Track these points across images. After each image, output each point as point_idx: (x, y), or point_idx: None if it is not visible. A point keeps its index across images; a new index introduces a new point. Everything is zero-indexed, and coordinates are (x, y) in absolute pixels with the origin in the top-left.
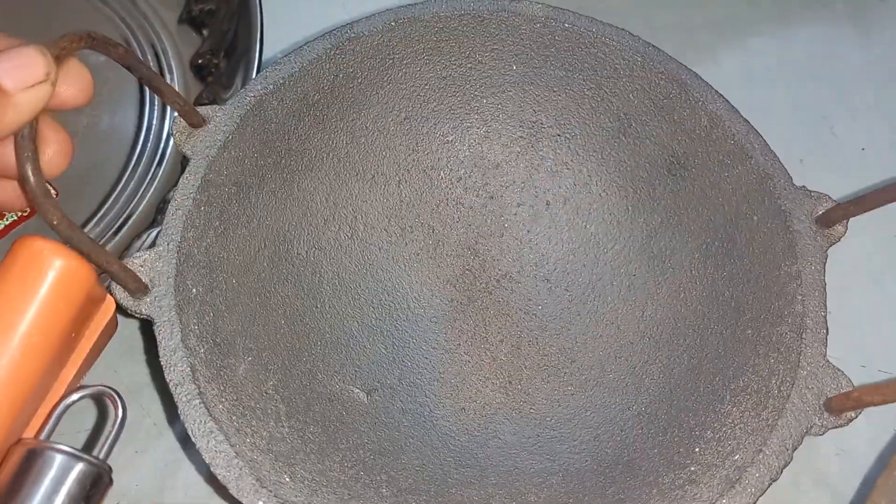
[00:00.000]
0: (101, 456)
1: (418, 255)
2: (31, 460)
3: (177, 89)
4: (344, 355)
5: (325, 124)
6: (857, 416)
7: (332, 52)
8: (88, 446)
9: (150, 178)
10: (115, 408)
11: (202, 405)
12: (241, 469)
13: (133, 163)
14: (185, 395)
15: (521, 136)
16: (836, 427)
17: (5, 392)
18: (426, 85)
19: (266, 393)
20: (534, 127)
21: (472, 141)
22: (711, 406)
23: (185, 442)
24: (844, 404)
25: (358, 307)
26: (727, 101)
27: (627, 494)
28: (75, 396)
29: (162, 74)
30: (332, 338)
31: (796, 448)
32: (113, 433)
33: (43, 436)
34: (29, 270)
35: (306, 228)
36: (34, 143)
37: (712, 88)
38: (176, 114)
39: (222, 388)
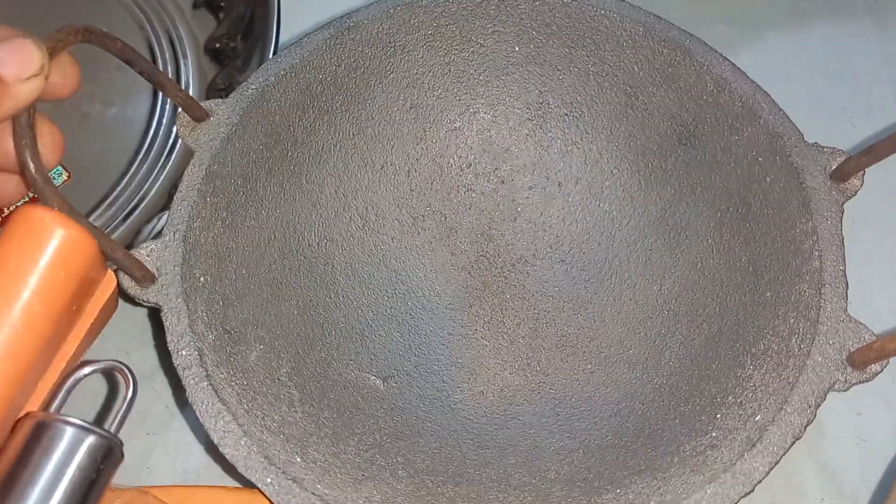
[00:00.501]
0: (112, 430)
1: (431, 243)
2: (41, 433)
3: (191, 73)
4: (359, 344)
5: (331, 115)
6: (882, 370)
7: (332, 42)
8: (98, 422)
9: (161, 165)
10: (126, 382)
11: (210, 387)
12: (249, 448)
13: (144, 149)
14: (192, 378)
15: (528, 118)
16: (860, 382)
17: (6, 361)
18: (430, 72)
19: (279, 380)
20: (541, 108)
21: (479, 126)
22: (732, 372)
23: (197, 425)
24: (867, 357)
25: (372, 297)
26: (732, 63)
27: (648, 464)
28: (87, 370)
29: (176, 59)
30: (347, 327)
31: (819, 405)
32: (124, 408)
33: (52, 409)
34: (30, 240)
35: (317, 220)
36: (32, 131)
37: (716, 52)
38: (179, 108)
39: (232, 373)
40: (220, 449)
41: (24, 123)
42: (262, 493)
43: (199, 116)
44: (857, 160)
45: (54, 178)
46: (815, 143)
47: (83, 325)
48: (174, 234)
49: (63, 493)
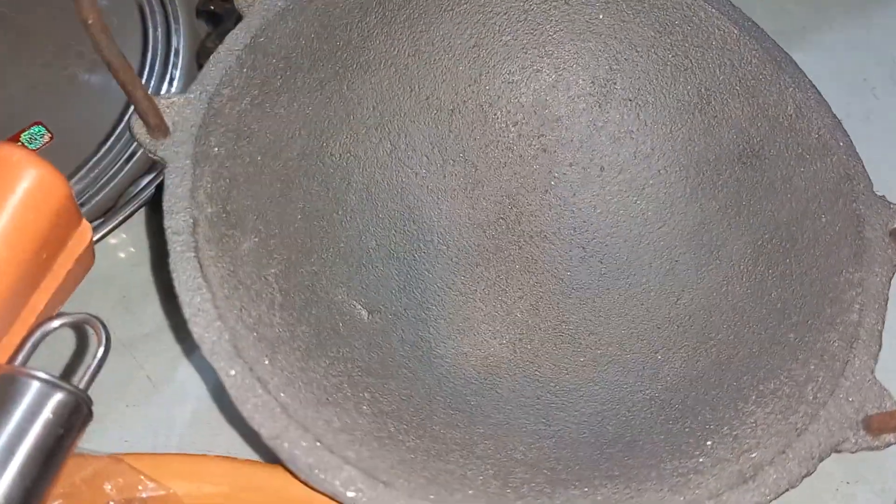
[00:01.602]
0: (82, 386)
1: (455, 190)
2: (5, 386)
3: (183, 35)
4: (354, 269)
5: (392, 27)
6: None
7: None
8: (66, 379)
9: None
10: (98, 337)
11: (195, 259)
12: (220, 332)
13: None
14: (180, 245)
15: (590, 93)
16: (870, 448)
17: None
18: (505, 14)
19: (265, 278)
20: (606, 86)
21: (537, 86)
22: (733, 404)
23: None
24: (886, 424)
25: (380, 226)
26: (818, 91)
27: (623, 472)
28: (56, 323)
29: (167, 20)
30: (347, 248)
31: (823, 459)
32: (94, 363)
33: (17, 363)
34: None
35: (346, 131)
36: None
37: (805, 76)
38: None
39: (220, 254)
40: (190, 326)
41: None
42: (225, 386)
43: None
44: None
45: (35, 139)
46: (883, 196)
47: (55, 278)
48: (200, 93)
49: (27, 450)
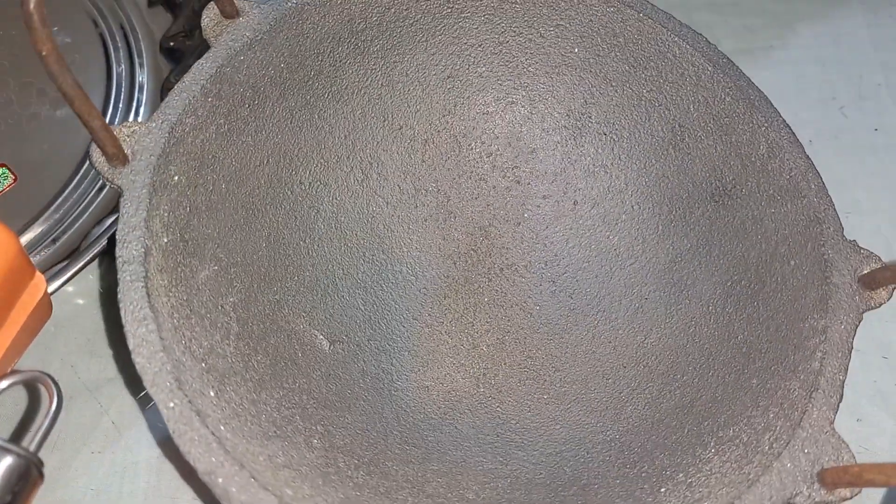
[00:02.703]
0: (32, 448)
1: (426, 221)
2: None
3: (147, 70)
4: (318, 298)
5: (365, 58)
6: (851, 496)
7: None
8: (17, 437)
9: None
10: (50, 395)
11: (144, 290)
12: (163, 364)
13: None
14: (129, 274)
15: (565, 126)
16: (824, 503)
17: None
18: (479, 46)
19: (222, 307)
20: (581, 119)
21: (512, 118)
22: (692, 449)
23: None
24: (840, 478)
25: (348, 255)
26: (792, 131)
27: None
28: (5, 383)
29: (131, 56)
30: (312, 277)
31: None
32: (46, 423)
33: None
34: None
35: (316, 160)
36: None
37: (779, 115)
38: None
39: (173, 283)
40: (133, 357)
41: None
42: (163, 418)
43: (229, 13)
44: (892, 271)
45: None
46: (854, 241)
47: (8, 334)
48: (161, 122)
49: None
